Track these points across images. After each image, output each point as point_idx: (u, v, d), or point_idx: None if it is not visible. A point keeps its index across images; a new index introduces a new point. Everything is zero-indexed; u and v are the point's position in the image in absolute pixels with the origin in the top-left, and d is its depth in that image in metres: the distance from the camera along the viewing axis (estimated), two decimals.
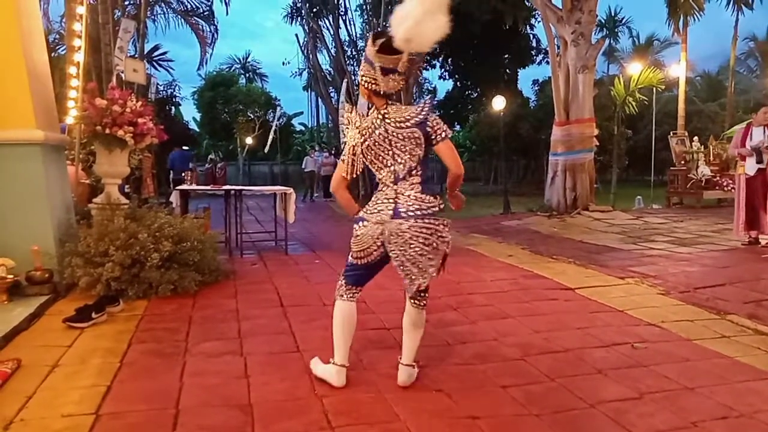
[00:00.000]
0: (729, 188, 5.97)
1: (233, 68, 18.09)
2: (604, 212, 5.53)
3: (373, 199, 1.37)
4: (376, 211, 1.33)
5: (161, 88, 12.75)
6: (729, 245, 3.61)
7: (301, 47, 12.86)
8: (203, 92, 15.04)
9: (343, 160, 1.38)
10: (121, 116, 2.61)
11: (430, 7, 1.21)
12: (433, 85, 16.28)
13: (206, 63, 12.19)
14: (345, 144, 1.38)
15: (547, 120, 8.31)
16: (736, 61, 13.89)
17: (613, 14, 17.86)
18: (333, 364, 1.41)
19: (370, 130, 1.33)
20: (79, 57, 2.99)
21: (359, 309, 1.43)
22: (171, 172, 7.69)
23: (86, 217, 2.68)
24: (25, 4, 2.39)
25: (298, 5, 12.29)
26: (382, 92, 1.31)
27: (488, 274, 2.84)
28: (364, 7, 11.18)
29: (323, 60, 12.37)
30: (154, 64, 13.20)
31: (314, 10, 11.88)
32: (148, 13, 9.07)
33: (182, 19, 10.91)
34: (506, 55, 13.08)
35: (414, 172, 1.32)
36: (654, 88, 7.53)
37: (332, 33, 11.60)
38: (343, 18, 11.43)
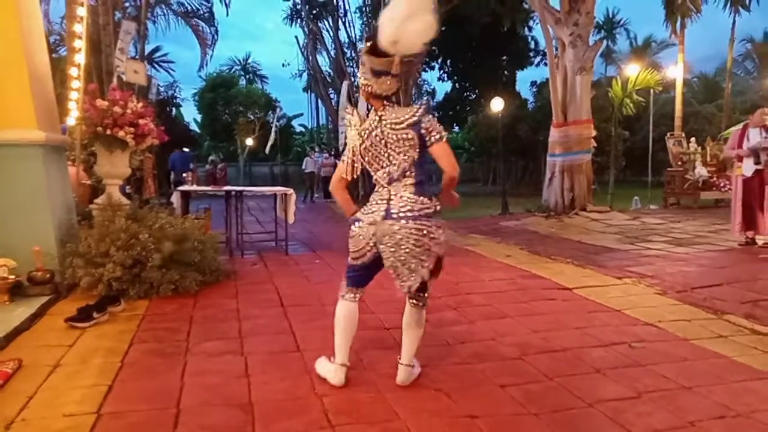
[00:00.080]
0: (726, 189, 5.99)
1: (233, 70, 18.15)
2: (601, 213, 5.55)
3: (369, 200, 1.39)
4: (370, 212, 1.35)
5: (162, 89, 12.80)
6: (726, 245, 3.62)
7: (301, 49, 12.94)
8: (204, 93, 15.08)
9: (343, 161, 1.40)
10: (122, 117, 2.62)
11: (412, 8, 1.22)
12: (432, 87, 16.36)
13: (207, 64, 12.27)
14: (346, 145, 1.40)
15: (545, 121, 8.33)
16: (733, 62, 13.90)
17: (610, 16, 17.98)
18: (333, 363, 1.42)
19: (367, 131, 1.35)
20: (80, 58, 3.00)
21: (359, 308, 1.44)
22: (172, 173, 7.71)
23: (87, 217, 2.68)
24: (25, 5, 2.40)
25: (298, 7, 12.35)
26: (377, 94, 1.33)
27: (487, 274, 2.84)
28: (364, 9, 11.23)
29: (323, 61, 12.44)
30: (155, 65, 13.24)
31: (314, 12, 11.93)
32: (149, 14, 9.10)
33: (182, 21, 10.95)
34: (504, 57, 13.15)
35: (408, 173, 1.33)
36: (651, 90, 7.57)
37: (332, 35, 11.66)
38: (343, 20, 11.50)
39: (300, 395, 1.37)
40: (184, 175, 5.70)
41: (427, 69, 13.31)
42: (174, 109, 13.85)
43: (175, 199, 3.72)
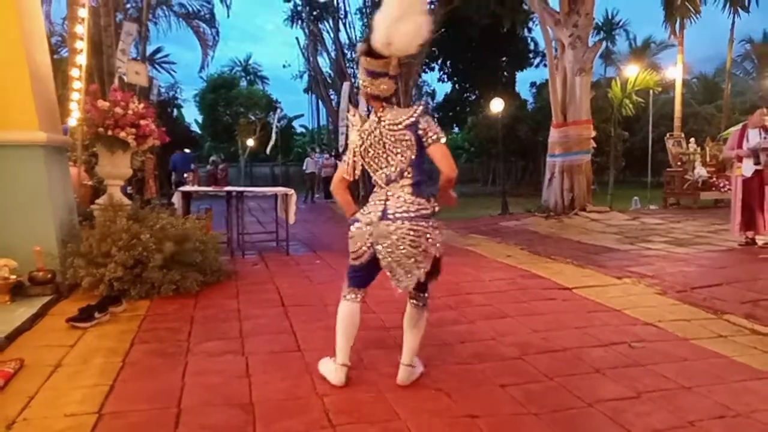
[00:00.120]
0: (725, 189, 5.97)
1: (234, 71, 18.19)
2: (601, 213, 5.55)
3: (369, 200, 1.40)
4: (368, 212, 1.36)
5: (163, 90, 12.81)
6: (726, 246, 3.62)
7: (301, 50, 12.95)
8: (205, 94, 15.11)
9: (344, 162, 1.41)
10: (123, 118, 2.62)
11: (403, 10, 1.23)
12: (432, 88, 16.39)
13: (208, 65, 12.31)
14: (347, 146, 1.42)
15: (544, 122, 8.33)
16: (733, 63, 13.89)
17: (610, 17, 17.99)
18: (334, 363, 1.42)
19: (367, 132, 1.36)
20: (82, 59, 2.99)
21: (361, 308, 1.44)
22: (173, 173, 7.72)
23: (89, 218, 2.69)
24: (27, 7, 2.41)
25: (299, 8, 12.37)
26: (376, 95, 1.33)
27: (487, 274, 2.85)
28: (364, 10, 11.26)
29: (323, 63, 12.46)
30: (156, 66, 13.26)
31: (314, 13, 11.96)
32: (150, 15, 9.13)
33: (184, 22, 10.98)
34: (504, 58, 13.18)
35: (405, 174, 1.33)
36: (651, 91, 7.59)
37: (332, 36, 11.68)
38: (343, 21, 11.52)
39: (301, 395, 1.38)
40: (185, 175, 5.71)
41: (427, 70, 13.32)
42: (175, 110, 13.89)
43: (177, 199, 3.72)
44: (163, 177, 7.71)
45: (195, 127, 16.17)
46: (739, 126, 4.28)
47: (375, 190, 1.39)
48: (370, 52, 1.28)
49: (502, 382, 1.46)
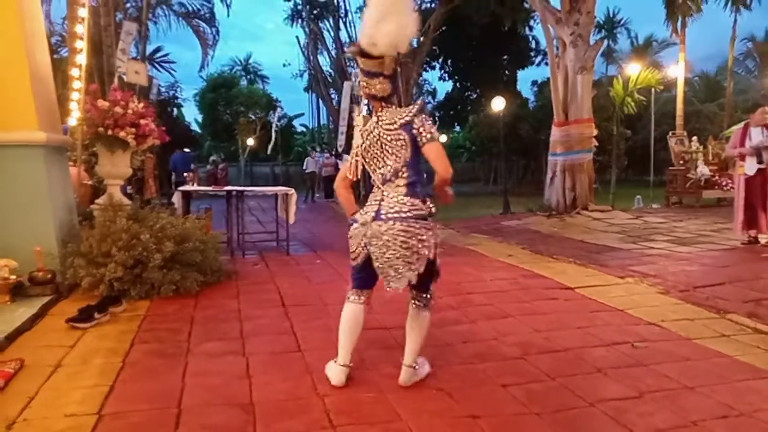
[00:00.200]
0: (728, 188, 5.95)
1: (234, 70, 18.16)
2: (603, 212, 5.53)
3: (368, 200, 1.40)
4: (364, 212, 1.36)
5: (163, 89, 12.80)
6: (728, 244, 3.61)
7: (301, 49, 12.94)
8: (205, 94, 15.09)
9: (348, 160, 1.42)
10: (123, 117, 2.62)
11: (385, 10, 1.22)
12: (432, 86, 16.36)
13: (208, 65, 12.28)
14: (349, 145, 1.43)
15: (546, 120, 8.31)
16: (735, 61, 13.90)
17: (611, 15, 17.90)
18: (335, 363, 1.42)
19: (367, 132, 1.36)
20: (81, 59, 2.99)
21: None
22: (173, 173, 7.71)
23: (88, 218, 2.68)
24: (27, 6, 2.40)
25: (299, 7, 12.35)
26: (374, 95, 1.33)
27: (488, 273, 2.84)
28: (364, 8, 11.18)
29: (324, 61, 12.45)
30: (156, 65, 13.25)
31: (315, 12, 11.94)
32: (150, 15, 9.12)
33: (184, 21, 10.96)
34: (505, 57, 13.14)
35: (400, 174, 1.33)
36: (653, 89, 7.55)
37: (333, 35, 11.65)
38: (344, 20, 11.50)
39: (301, 395, 1.37)
40: (185, 175, 5.70)
41: (428, 68, 13.29)
42: (175, 109, 13.87)
43: (176, 199, 3.71)
44: (163, 177, 7.71)
45: (195, 127, 16.18)
46: (741, 124, 4.27)
47: (373, 190, 1.39)
48: (363, 53, 1.28)
49: (504, 382, 1.45)
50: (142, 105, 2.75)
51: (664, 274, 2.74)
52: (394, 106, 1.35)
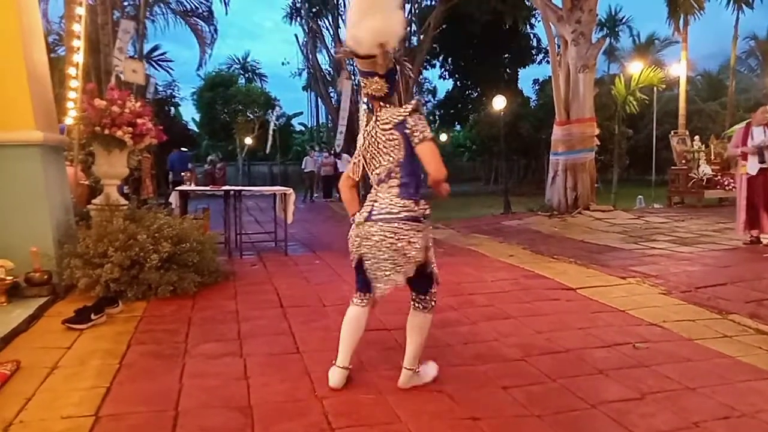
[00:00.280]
0: (730, 187, 5.94)
1: (232, 68, 18.06)
2: (605, 212, 5.51)
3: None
4: (360, 213, 1.36)
5: (160, 88, 12.75)
6: (730, 244, 3.60)
7: (300, 47, 12.89)
8: (202, 92, 15.03)
9: (352, 160, 1.41)
10: (120, 117, 2.60)
11: (367, 6, 1.22)
12: (433, 85, 16.30)
13: (205, 63, 12.23)
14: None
15: (547, 119, 8.30)
16: (737, 60, 13.84)
17: (613, 13, 17.87)
18: (333, 365, 1.41)
19: (367, 132, 1.36)
20: (79, 58, 2.97)
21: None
22: (170, 173, 7.69)
23: (85, 218, 2.67)
24: (25, 4, 2.39)
25: (298, 5, 12.29)
26: (372, 95, 1.33)
27: (489, 274, 2.83)
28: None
29: (323, 60, 12.41)
30: (154, 64, 13.20)
31: (314, 10, 11.88)
32: (147, 13, 9.08)
33: (181, 20, 10.91)
34: (506, 55, 13.06)
35: (393, 174, 1.32)
36: (655, 88, 7.50)
37: (332, 33, 11.61)
38: (343, 18, 11.43)
39: (300, 397, 1.36)
40: (182, 174, 5.69)
41: (428, 67, 13.23)
42: (172, 108, 13.81)
43: (174, 199, 3.70)
44: (160, 176, 7.68)
45: (192, 126, 16.11)
46: (743, 124, 4.24)
47: (371, 190, 1.39)
48: (353, 53, 1.27)
49: (505, 383, 1.44)
50: (139, 104, 2.73)
51: (666, 274, 2.73)
52: (392, 106, 1.34)
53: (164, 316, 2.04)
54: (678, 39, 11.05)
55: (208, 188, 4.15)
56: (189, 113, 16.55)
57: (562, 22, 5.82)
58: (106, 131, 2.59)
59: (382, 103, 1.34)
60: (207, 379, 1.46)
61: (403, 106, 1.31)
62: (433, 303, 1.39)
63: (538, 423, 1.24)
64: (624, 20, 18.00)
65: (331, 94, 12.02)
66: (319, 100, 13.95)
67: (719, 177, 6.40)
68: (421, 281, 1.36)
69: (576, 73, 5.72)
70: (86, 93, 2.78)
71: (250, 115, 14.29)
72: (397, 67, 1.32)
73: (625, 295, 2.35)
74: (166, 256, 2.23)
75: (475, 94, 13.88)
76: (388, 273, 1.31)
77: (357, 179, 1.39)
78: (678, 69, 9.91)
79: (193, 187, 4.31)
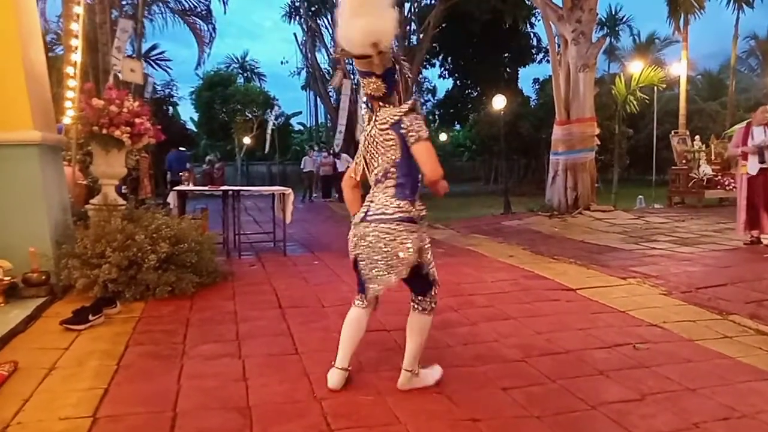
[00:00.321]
0: (731, 187, 5.93)
1: (231, 68, 17.98)
2: (605, 212, 5.51)
3: None
4: (359, 213, 1.36)
5: (159, 88, 12.72)
6: (731, 245, 3.59)
7: (299, 46, 12.87)
8: (201, 92, 15.00)
9: (354, 160, 1.42)
10: (118, 116, 2.59)
11: (354, 6, 1.21)
12: (433, 84, 16.27)
13: (204, 62, 12.20)
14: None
15: (547, 119, 8.28)
16: (737, 59, 13.84)
17: (613, 13, 17.85)
18: (332, 366, 1.40)
19: (367, 132, 1.36)
20: (77, 57, 2.96)
21: None
22: (168, 173, 7.68)
23: (83, 218, 2.66)
24: (23, 4, 2.38)
25: (297, 4, 12.28)
26: (371, 95, 1.33)
27: (489, 274, 2.82)
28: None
29: (322, 59, 12.39)
30: (152, 63, 13.17)
31: (313, 8, 11.85)
32: (146, 12, 9.07)
33: (180, 19, 10.88)
34: (506, 54, 13.06)
35: (389, 175, 1.31)
36: (655, 87, 7.50)
37: (331, 32, 11.57)
38: None
39: (299, 398, 1.36)
40: (180, 174, 5.68)
41: (428, 66, 13.21)
42: (171, 107, 13.79)
43: (172, 199, 3.69)
44: (158, 176, 7.67)
45: (191, 125, 16.08)
46: (744, 124, 4.23)
47: (370, 190, 1.39)
48: (349, 53, 1.27)
49: (505, 384, 1.44)
50: (137, 103, 2.72)
51: (666, 275, 2.72)
52: (391, 106, 1.33)
53: (162, 317, 2.03)
54: (678, 38, 11.04)
55: (206, 188, 4.16)
56: (187, 113, 16.56)
57: (562, 22, 5.81)
58: (104, 131, 2.58)
59: (381, 103, 1.33)
60: (205, 380, 1.45)
61: (400, 106, 1.31)
62: (432, 305, 1.38)
63: (537, 424, 1.24)
64: (624, 19, 18.02)
65: (330, 94, 12.00)
66: (318, 99, 13.94)
67: (720, 177, 6.39)
68: (419, 283, 1.35)
69: (576, 73, 5.71)
70: (84, 92, 2.76)
71: (249, 115, 14.27)
72: (396, 67, 1.31)
73: (626, 296, 2.34)
74: (165, 257, 2.22)
75: (475, 94, 13.88)
76: (381, 273, 1.30)
77: (359, 179, 1.39)
78: (678, 68, 9.90)
79: (191, 187, 4.30)
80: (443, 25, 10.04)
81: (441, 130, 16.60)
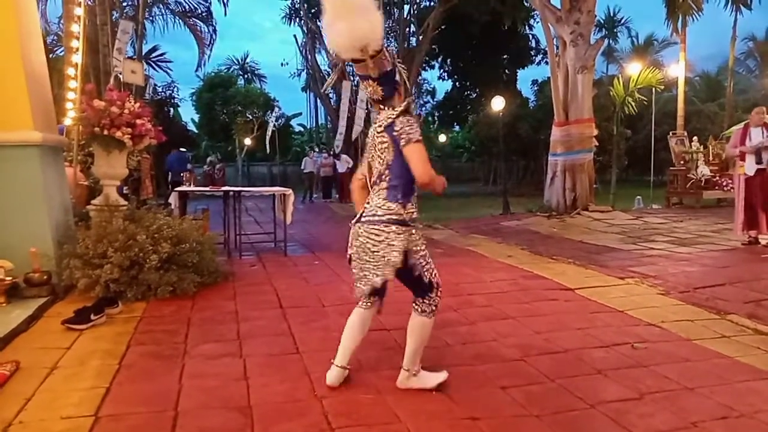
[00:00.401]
0: (728, 188, 5.96)
1: (232, 69, 18.04)
2: (603, 212, 5.53)
3: None
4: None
5: (159, 89, 12.74)
6: (729, 245, 3.61)
7: (299, 48, 12.90)
8: (202, 93, 15.02)
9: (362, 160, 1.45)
10: (119, 117, 2.60)
11: (334, 11, 1.23)
12: (432, 86, 16.32)
13: (204, 64, 12.21)
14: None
15: (546, 120, 8.30)
16: (735, 61, 13.91)
17: (611, 14, 17.93)
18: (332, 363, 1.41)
19: (370, 134, 1.39)
20: (77, 58, 2.98)
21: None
22: (169, 173, 7.69)
23: (85, 218, 2.67)
24: (24, 6, 2.39)
25: (297, 6, 12.31)
26: (371, 98, 1.35)
27: (488, 274, 2.83)
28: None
29: (322, 61, 12.41)
30: (153, 65, 13.19)
31: (313, 10, 11.88)
32: (147, 14, 9.09)
33: (180, 20, 10.91)
34: (505, 56, 13.10)
35: (384, 177, 1.32)
36: (653, 89, 7.51)
37: None
38: None
39: (299, 397, 1.37)
40: (181, 175, 5.69)
41: (427, 68, 13.26)
42: (171, 109, 13.80)
43: (173, 199, 3.69)
44: (159, 177, 7.68)
45: (192, 127, 16.11)
46: (742, 125, 4.26)
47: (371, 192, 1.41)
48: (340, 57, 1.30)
49: (504, 383, 1.45)
50: (138, 105, 2.73)
51: (664, 275, 2.73)
52: (390, 108, 1.34)
53: (164, 317, 2.04)
54: (676, 40, 11.11)
55: (207, 189, 4.12)
56: (188, 114, 16.55)
57: (560, 23, 5.84)
58: (106, 132, 2.59)
59: (381, 106, 1.35)
60: (206, 380, 1.46)
61: (394, 108, 1.32)
62: (433, 308, 1.38)
63: (536, 423, 1.25)
64: (622, 21, 18.09)
65: (330, 95, 12.03)
66: (318, 100, 13.97)
67: (717, 178, 6.42)
68: (414, 285, 1.36)
69: (575, 74, 5.74)
70: (85, 94, 2.77)
71: (249, 116, 14.29)
72: (396, 69, 1.32)
73: (624, 296, 2.35)
74: (166, 257, 2.23)
75: (474, 95, 13.92)
76: (367, 274, 1.32)
77: (365, 180, 1.41)
78: (676, 70, 9.94)
79: (192, 187, 4.30)
80: (442, 26, 10.07)
81: (440, 131, 16.63)
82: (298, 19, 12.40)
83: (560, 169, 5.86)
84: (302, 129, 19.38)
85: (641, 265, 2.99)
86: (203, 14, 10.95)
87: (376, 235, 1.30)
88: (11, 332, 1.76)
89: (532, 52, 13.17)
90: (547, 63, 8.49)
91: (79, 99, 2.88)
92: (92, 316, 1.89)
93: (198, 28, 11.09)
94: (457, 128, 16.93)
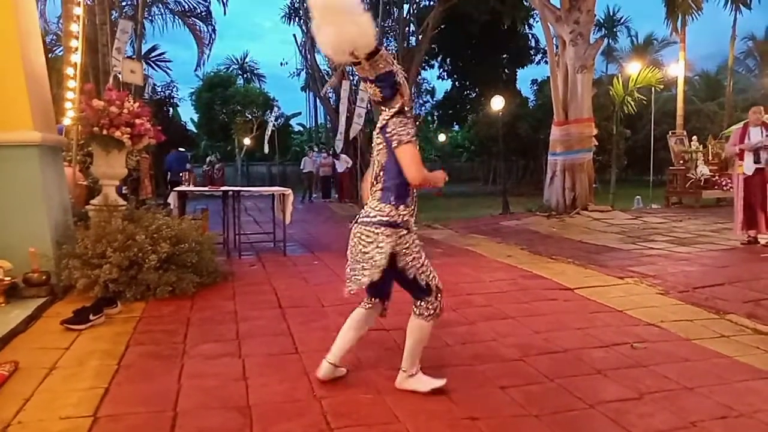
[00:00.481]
0: (728, 188, 5.96)
1: (231, 69, 18.04)
2: (603, 212, 5.53)
3: None
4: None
5: (159, 89, 12.72)
6: (728, 245, 3.61)
7: (299, 47, 12.87)
8: (201, 93, 15.02)
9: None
10: (118, 117, 2.60)
11: (319, 16, 1.23)
12: (431, 85, 16.32)
13: (204, 64, 12.20)
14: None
15: (545, 120, 8.31)
16: (735, 60, 13.92)
17: (611, 14, 17.93)
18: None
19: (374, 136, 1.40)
20: (77, 58, 2.98)
21: None
22: (168, 173, 7.69)
23: (84, 218, 2.67)
24: (23, 5, 2.39)
25: (296, 5, 12.29)
26: (372, 99, 1.36)
27: (487, 274, 2.83)
28: (363, 7, 11.18)
29: (321, 60, 12.37)
30: (152, 64, 13.16)
31: None
32: (146, 13, 9.08)
33: (180, 20, 10.90)
34: (505, 55, 13.10)
35: (379, 178, 1.33)
36: (653, 88, 7.52)
37: None
38: None
39: (299, 397, 1.37)
40: (180, 175, 5.69)
41: (426, 67, 13.25)
42: (171, 108, 13.80)
43: (172, 199, 3.69)
44: (158, 177, 7.67)
45: (191, 126, 16.11)
46: (741, 124, 4.27)
47: None
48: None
49: (503, 383, 1.45)
50: (137, 104, 2.73)
51: (664, 274, 2.73)
52: (387, 109, 1.34)
53: (163, 317, 2.04)
54: (676, 39, 11.11)
55: (206, 189, 4.12)
56: (187, 114, 16.55)
57: (560, 23, 5.83)
58: (105, 132, 2.59)
59: (382, 107, 1.35)
60: (205, 380, 1.46)
61: (389, 109, 1.31)
62: (431, 312, 1.36)
63: (536, 423, 1.25)
64: (622, 21, 18.08)
65: (330, 95, 12.02)
66: (318, 100, 13.95)
67: (717, 177, 6.41)
68: (409, 288, 1.36)
69: (574, 74, 5.73)
70: (84, 93, 2.76)
71: (249, 116, 14.27)
72: (395, 71, 1.31)
73: (623, 295, 2.35)
74: (165, 257, 2.23)
75: (474, 95, 13.92)
76: (356, 274, 1.33)
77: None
78: (676, 69, 9.94)
79: (191, 187, 4.30)
80: (442, 26, 10.06)
81: (440, 130, 16.63)
82: (297, 18, 12.39)
83: (560, 168, 5.86)
84: (301, 129, 19.38)
85: (640, 265, 2.99)
86: (203, 14, 10.95)
87: (367, 236, 1.30)
88: (10, 332, 1.76)
89: (532, 52, 13.18)
90: (546, 62, 8.51)
91: (78, 99, 2.87)
92: (91, 317, 1.89)
93: (197, 27, 11.09)
94: (456, 128, 16.96)
